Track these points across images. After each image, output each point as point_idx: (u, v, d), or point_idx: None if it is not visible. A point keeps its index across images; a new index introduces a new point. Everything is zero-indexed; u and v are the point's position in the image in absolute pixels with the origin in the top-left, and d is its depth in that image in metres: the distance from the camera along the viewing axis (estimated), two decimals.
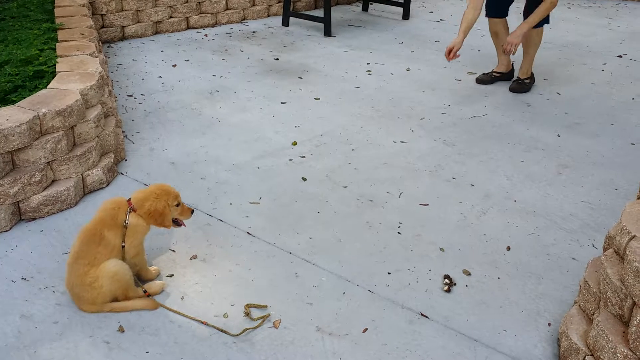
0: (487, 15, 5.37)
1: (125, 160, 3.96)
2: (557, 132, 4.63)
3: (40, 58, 4.04)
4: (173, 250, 3.10)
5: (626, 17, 8.47)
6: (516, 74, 5.61)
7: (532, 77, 5.52)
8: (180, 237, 3.21)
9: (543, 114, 4.96)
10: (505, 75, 5.63)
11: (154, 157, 4.03)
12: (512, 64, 5.65)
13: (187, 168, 3.91)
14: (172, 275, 2.92)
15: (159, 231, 3.24)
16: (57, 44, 4.34)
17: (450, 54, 4.83)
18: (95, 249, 2.65)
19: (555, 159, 4.21)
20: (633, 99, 5.38)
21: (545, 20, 5.15)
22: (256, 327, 2.61)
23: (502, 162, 4.12)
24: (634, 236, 2.32)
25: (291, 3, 7.60)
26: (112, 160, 3.71)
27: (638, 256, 2.19)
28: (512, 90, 5.42)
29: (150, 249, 3.10)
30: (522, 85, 5.43)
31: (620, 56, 6.61)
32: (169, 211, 2.78)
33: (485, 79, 5.60)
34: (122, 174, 3.80)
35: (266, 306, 2.74)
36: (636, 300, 2.17)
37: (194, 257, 3.06)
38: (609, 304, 2.33)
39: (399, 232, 3.32)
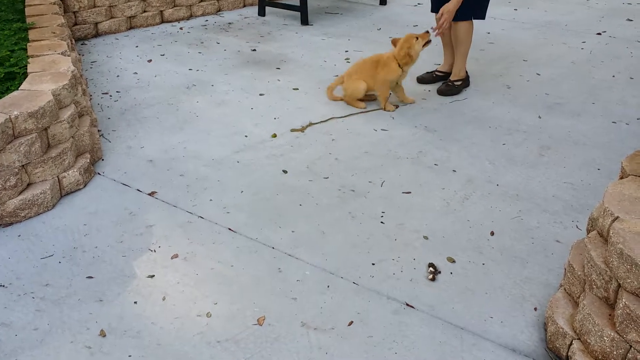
0: (432, 10, 4.99)
1: (102, 159, 3.89)
2: (537, 113, 4.61)
3: (12, 59, 3.96)
4: (153, 251, 3.05)
5: None
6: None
7: (465, 80, 5.08)
8: (161, 236, 3.16)
9: (523, 96, 4.94)
10: (448, 76, 5.20)
11: (132, 155, 3.97)
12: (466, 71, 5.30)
13: (165, 165, 3.85)
14: (153, 276, 2.88)
15: (138, 231, 3.20)
16: (29, 44, 4.26)
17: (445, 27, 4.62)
18: None
19: (536, 140, 4.19)
20: (613, 76, 5.37)
21: (478, 14, 4.81)
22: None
23: (483, 147, 4.10)
24: (617, 217, 2.31)
25: None
26: (88, 160, 3.64)
27: (621, 238, 2.17)
28: (439, 92, 5.00)
29: (130, 250, 3.05)
30: (451, 88, 4.99)
31: (599, 34, 6.60)
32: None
33: (427, 78, 5.23)
34: (99, 174, 3.73)
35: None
36: (621, 282, 2.15)
37: (175, 256, 3.01)
38: (594, 286, 2.31)
39: (382, 222, 3.29)
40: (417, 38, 4.54)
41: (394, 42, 4.64)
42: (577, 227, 3.25)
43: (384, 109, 4.69)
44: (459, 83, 4.98)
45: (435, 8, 4.92)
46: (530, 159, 3.94)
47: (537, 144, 4.14)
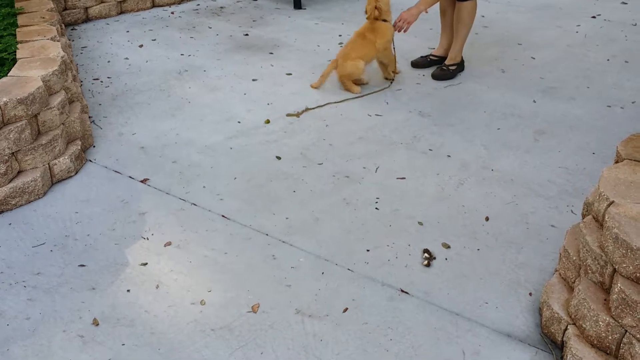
0: None
1: (94, 146, 3.86)
2: (532, 97, 4.59)
3: (0, 45, 3.91)
4: (146, 238, 3.03)
5: None
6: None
7: (460, 64, 4.99)
8: (153, 224, 3.13)
9: (518, 80, 4.91)
10: (442, 60, 5.10)
11: (123, 142, 3.93)
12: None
13: (157, 152, 3.82)
14: (146, 263, 2.86)
15: (130, 219, 3.17)
16: (17, 30, 4.20)
17: (401, 26, 4.52)
18: None
19: (531, 125, 4.17)
20: (608, 60, 5.34)
21: None
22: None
23: (478, 131, 4.07)
24: (612, 202, 2.29)
25: None
26: (79, 147, 3.61)
27: (617, 222, 2.16)
28: (434, 77, 4.91)
29: (122, 238, 3.03)
30: (445, 72, 4.91)
31: (594, 17, 6.55)
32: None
33: (421, 62, 5.17)
34: (90, 161, 3.70)
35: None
36: (616, 267, 2.14)
37: (168, 244, 2.99)
38: (589, 271, 2.30)
39: (376, 208, 3.27)
40: None
41: (366, 10, 4.69)
42: (572, 211, 3.23)
43: (395, 72, 4.86)
44: (453, 67, 4.94)
45: None
46: (525, 144, 3.92)
47: (531, 129, 4.12)
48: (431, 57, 5.18)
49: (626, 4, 7.06)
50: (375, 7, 4.56)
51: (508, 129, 4.11)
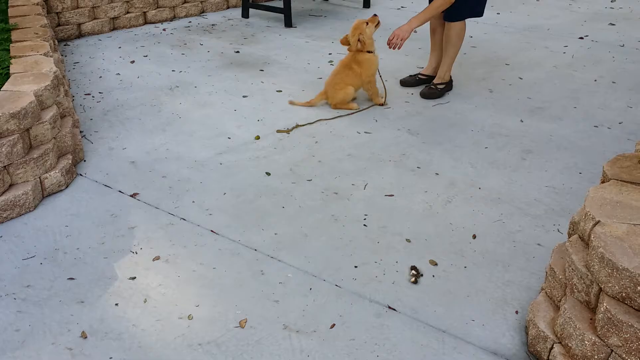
0: None
1: (84, 160, 3.86)
2: (520, 117, 4.64)
3: None
4: (135, 252, 3.03)
5: None
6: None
7: (448, 84, 5.06)
8: (142, 238, 3.14)
9: (505, 100, 4.97)
10: (431, 79, 5.18)
11: (114, 156, 3.94)
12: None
13: (147, 167, 3.83)
14: (135, 277, 2.86)
15: (119, 233, 3.18)
16: (11, 45, 4.22)
17: (396, 43, 4.58)
18: None
19: (518, 144, 4.21)
20: (595, 80, 5.41)
21: (475, 11, 4.81)
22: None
23: (466, 150, 4.12)
24: (598, 221, 2.32)
25: None
26: (70, 161, 3.62)
27: (602, 242, 2.19)
28: (422, 96, 4.97)
29: (111, 252, 3.03)
30: (434, 91, 4.97)
31: (581, 38, 6.65)
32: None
33: (410, 81, 5.20)
34: (81, 175, 3.71)
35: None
36: (602, 286, 2.16)
37: (157, 258, 3.00)
38: (575, 290, 2.33)
39: (364, 225, 3.29)
40: (367, 23, 4.61)
41: (347, 41, 4.69)
42: (558, 230, 3.27)
43: (379, 103, 4.81)
44: (442, 86, 4.99)
45: None
46: (512, 163, 3.96)
47: (519, 148, 4.16)
48: (420, 76, 5.23)
49: (614, 25, 7.18)
50: (359, 40, 4.58)
51: (495, 148, 4.15)
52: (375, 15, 4.69)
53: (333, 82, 4.67)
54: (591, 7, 8.08)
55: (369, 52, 4.63)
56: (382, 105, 4.81)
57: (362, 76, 4.64)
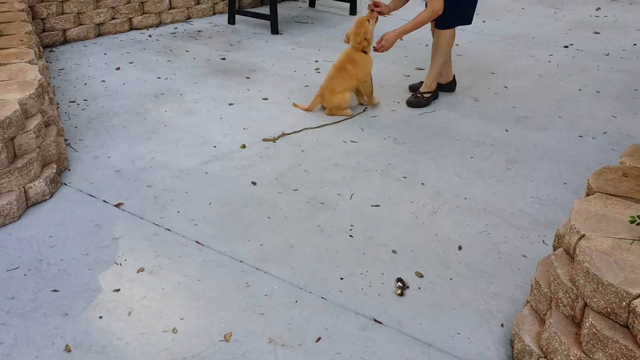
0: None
1: (69, 169, 3.83)
2: (505, 126, 4.65)
3: None
4: (119, 264, 3.01)
5: (572, 6, 8.58)
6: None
7: (434, 92, 5.03)
8: (127, 249, 3.12)
9: (491, 109, 4.98)
10: (444, 87, 5.20)
11: (99, 165, 3.91)
12: (454, 75, 5.30)
13: (132, 176, 3.81)
14: (119, 290, 2.84)
15: (104, 244, 3.15)
16: None
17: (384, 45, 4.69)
18: None
19: (504, 154, 4.23)
20: (580, 89, 5.44)
21: (464, 19, 4.84)
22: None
23: (452, 159, 4.12)
24: (583, 235, 2.33)
25: (237, 0, 7.50)
26: (54, 170, 3.59)
27: (588, 256, 2.20)
28: (408, 104, 4.95)
29: (95, 263, 3.01)
30: (420, 100, 4.93)
31: (566, 46, 6.68)
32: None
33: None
34: (65, 184, 3.68)
35: None
36: (587, 301, 2.17)
37: (141, 269, 2.97)
38: (560, 304, 2.33)
39: (350, 235, 3.28)
40: (369, 20, 4.68)
41: (348, 38, 4.77)
42: (543, 242, 3.28)
43: (373, 104, 4.90)
44: (428, 95, 5.00)
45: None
46: (497, 173, 3.97)
47: (504, 158, 4.17)
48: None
49: (599, 33, 7.22)
50: (365, 39, 4.65)
51: (481, 157, 4.16)
52: (372, 10, 4.74)
53: (330, 86, 4.71)
54: (576, 15, 8.13)
55: (364, 52, 4.70)
56: (375, 105, 4.89)
57: (358, 75, 4.69)
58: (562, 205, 3.62)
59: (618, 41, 6.91)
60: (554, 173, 3.99)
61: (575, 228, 2.38)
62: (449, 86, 5.25)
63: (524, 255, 3.17)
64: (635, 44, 6.79)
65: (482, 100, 5.16)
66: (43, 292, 2.80)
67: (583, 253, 2.22)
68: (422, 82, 5.18)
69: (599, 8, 8.47)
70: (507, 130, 4.58)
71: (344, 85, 4.68)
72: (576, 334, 2.23)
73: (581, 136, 4.54)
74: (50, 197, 3.53)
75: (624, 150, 4.24)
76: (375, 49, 4.73)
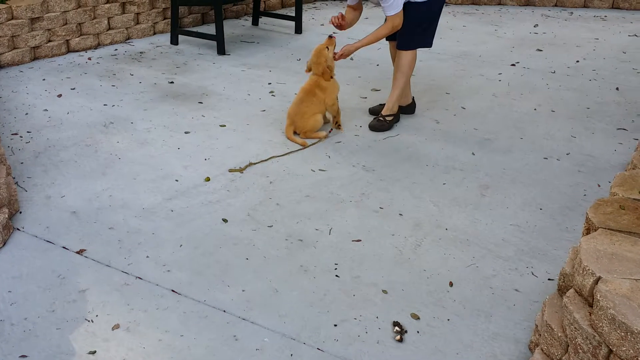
0: (387, 39, 4.93)
1: (20, 212, 3.52)
2: (470, 149, 4.58)
3: None
4: (91, 321, 2.74)
5: (510, 23, 8.67)
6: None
7: (396, 115, 4.93)
8: (97, 303, 2.85)
9: (453, 131, 4.90)
10: (405, 109, 5.12)
11: (52, 206, 3.61)
12: (412, 97, 5.21)
13: (91, 217, 3.52)
14: (95, 352, 2.57)
15: (70, 298, 2.87)
16: None
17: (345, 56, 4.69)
18: None
19: (475, 179, 4.14)
20: (535, 109, 5.44)
21: (424, 42, 4.81)
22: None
23: (425, 186, 4.01)
24: (600, 277, 2.23)
25: (178, 19, 7.23)
26: (6, 215, 3.27)
27: (611, 302, 2.09)
28: (371, 128, 4.85)
29: (64, 321, 2.73)
30: (383, 124, 4.83)
31: (513, 65, 6.71)
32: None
33: (378, 110, 5.04)
34: (18, 229, 3.36)
35: None
36: (614, 349, 2.07)
37: (116, 326, 2.71)
38: (580, 350, 2.23)
39: (337, 275, 3.11)
40: (327, 48, 4.62)
41: (309, 68, 4.70)
42: (532, 273, 3.19)
43: (340, 129, 4.82)
44: (390, 118, 4.88)
45: (390, 36, 4.86)
46: (472, 200, 3.88)
47: (476, 183, 4.09)
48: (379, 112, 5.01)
49: (541, 51, 7.30)
50: (327, 67, 4.59)
51: (453, 183, 4.07)
52: (330, 37, 4.66)
53: (300, 111, 4.60)
54: (516, 31, 8.21)
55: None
56: (341, 130, 4.81)
57: (326, 101, 4.62)
58: (542, 233, 3.55)
59: (561, 59, 6.98)
60: (528, 198, 3.93)
61: (589, 269, 2.28)
62: (409, 108, 5.16)
63: (516, 290, 3.06)
64: (578, 61, 6.88)
65: (443, 122, 5.08)
66: (10, 359, 2.51)
67: (605, 298, 2.12)
68: (381, 105, 5.07)
69: (537, 25, 8.60)
70: (473, 154, 4.51)
71: (313, 110, 4.58)
72: None
73: (546, 158, 4.50)
74: (4, 245, 3.22)
75: (590, 171, 4.25)
76: (335, 59, 4.65)
